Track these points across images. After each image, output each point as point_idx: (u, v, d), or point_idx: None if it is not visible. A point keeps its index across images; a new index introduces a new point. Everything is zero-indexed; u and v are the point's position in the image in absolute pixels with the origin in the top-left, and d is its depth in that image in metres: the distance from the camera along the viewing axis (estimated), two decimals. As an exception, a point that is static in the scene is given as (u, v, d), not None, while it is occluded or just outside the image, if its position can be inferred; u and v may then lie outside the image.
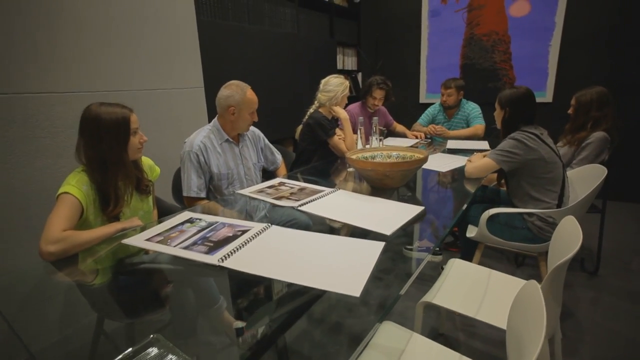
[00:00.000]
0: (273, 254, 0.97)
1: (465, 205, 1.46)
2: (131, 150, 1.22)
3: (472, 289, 1.31)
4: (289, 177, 1.85)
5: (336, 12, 3.94)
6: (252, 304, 0.87)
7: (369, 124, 2.73)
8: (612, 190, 2.21)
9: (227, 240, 1.04)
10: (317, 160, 2.28)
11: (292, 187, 1.60)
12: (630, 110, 3.11)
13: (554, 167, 1.58)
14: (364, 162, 1.51)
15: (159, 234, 1.11)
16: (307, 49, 3.40)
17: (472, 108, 2.94)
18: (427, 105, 4.08)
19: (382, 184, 1.56)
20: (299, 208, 1.32)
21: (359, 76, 4.55)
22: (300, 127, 2.39)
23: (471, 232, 1.76)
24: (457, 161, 2.00)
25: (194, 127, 1.78)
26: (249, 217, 1.36)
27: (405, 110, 4.28)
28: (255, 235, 1.07)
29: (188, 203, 1.63)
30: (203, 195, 1.63)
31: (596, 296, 1.95)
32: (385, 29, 4.20)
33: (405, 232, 1.14)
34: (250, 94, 1.66)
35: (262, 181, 1.82)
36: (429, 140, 2.82)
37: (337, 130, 2.30)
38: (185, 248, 1.01)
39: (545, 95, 3.46)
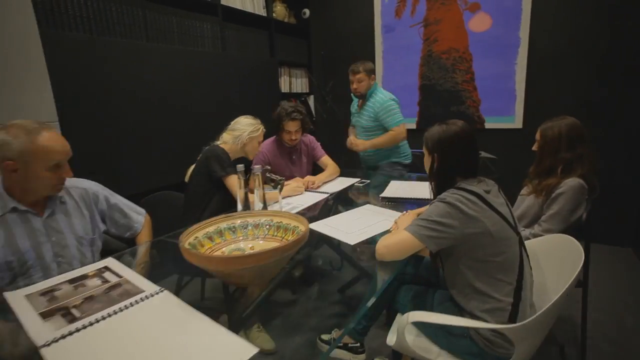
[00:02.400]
0: None
1: (372, 300, 0.94)
2: None
3: None
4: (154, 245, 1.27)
5: (281, 29, 3.48)
6: None
7: (286, 164, 2.21)
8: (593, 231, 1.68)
9: None
10: (215, 208, 1.71)
11: (103, 283, 1.03)
12: (610, 138, 2.65)
13: (507, 246, 1.05)
14: (196, 255, 0.94)
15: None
16: (237, 71, 2.89)
17: (381, 103, 2.36)
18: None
19: (240, 282, 1.00)
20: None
21: (311, 99, 4.06)
22: (192, 167, 1.83)
23: (392, 334, 1.20)
24: (381, 223, 1.45)
25: None
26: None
27: (361, 137, 3.78)
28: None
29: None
30: None
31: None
32: (337, 46, 3.75)
33: None
34: (45, 140, 1.11)
35: (101, 258, 1.25)
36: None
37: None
38: None
39: (514, 121, 3.00)
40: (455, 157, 1.13)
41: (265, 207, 1.34)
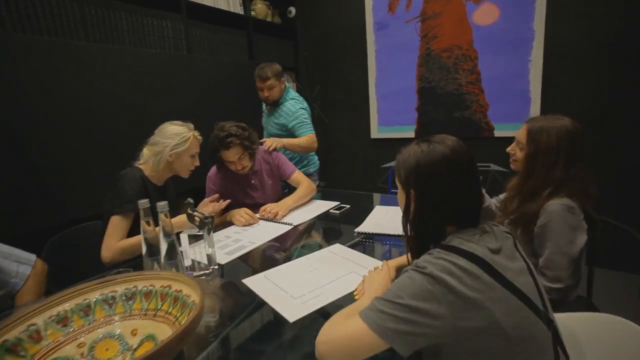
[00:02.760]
0: None
1: None
2: None
3: None
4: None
5: (262, 29, 3.11)
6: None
7: (244, 191, 1.77)
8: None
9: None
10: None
11: None
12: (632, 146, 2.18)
13: (531, 349, 0.63)
14: None
15: None
16: (206, 76, 2.53)
17: (292, 113, 2.14)
18: (381, 141, 3.21)
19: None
20: None
21: (299, 106, 3.67)
22: None
23: None
24: (345, 280, 1.03)
25: None
26: None
27: (353, 149, 3.38)
28: None
29: None
30: None
31: None
32: (325, 47, 3.37)
33: None
34: None
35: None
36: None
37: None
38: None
39: (529, 127, 2.55)
40: (443, 195, 0.71)
41: (175, 262, 0.94)
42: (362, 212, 1.61)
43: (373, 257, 1.15)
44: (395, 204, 1.67)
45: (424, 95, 2.92)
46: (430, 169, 0.71)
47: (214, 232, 1.51)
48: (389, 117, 3.11)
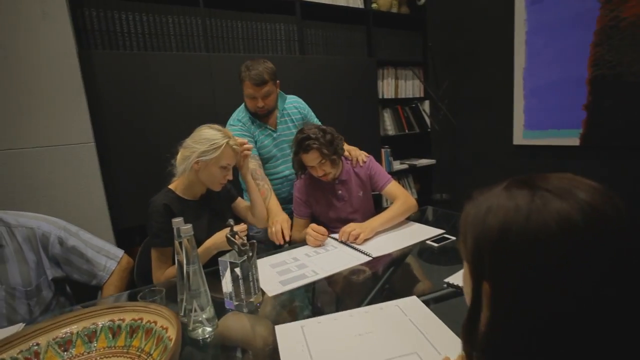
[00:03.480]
0: None
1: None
2: None
3: None
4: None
5: (385, 22, 2.85)
6: None
7: (328, 202, 1.56)
8: None
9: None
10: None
11: None
12: None
13: None
14: None
15: None
16: (320, 77, 2.45)
17: (298, 101, 1.74)
18: (527, 150, 2.45)
19: None
20: None
21: (425, 105, 3.24)
22: None
23: None
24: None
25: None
26: None
27: (488, 159, 2.74)
28: None
29: None
30: None
31: None
32: (458, 36, 2.82)
33: None
34: None
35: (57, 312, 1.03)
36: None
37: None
38: None
39: None
40: (556, 308, 0.34)
41: (197, 290, 0.82)
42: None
43: (453, 329, 0.77)
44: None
45: (600, 87, 2.09)
46: (532, 250, 0.35)
47: (288, 247, 1.39)
48: (541, 118, 2.37)
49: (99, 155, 1.75)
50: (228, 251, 0.98)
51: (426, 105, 3.23)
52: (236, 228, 0.95)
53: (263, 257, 1.29)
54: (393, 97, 3.04)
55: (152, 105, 1.90)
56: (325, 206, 1.57)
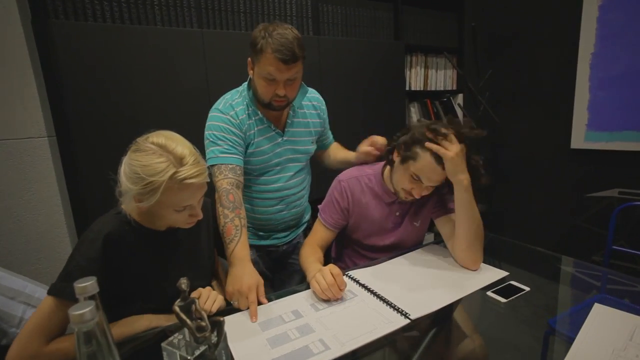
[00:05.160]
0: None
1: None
2: None
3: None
4: None
5: (416, 0, 2.41)
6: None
7: (382, 219, 1.14)
8: None
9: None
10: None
11: None
12: None
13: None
14: None
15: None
16: (336, 60, 2.04)
17: (317, 96, 1.25)
18: (590, 155, 1.98)
19: None
20: None
21: (458, 99, 2.79)
22: None
23: None
24: None
25: None
26: None
27: (539, 164, 2.28)
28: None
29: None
30: None
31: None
32: (504, 17, 2.36)
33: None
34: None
35: None
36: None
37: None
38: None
39: None
40: None
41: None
42: (550, 299, 0.78)
43: None
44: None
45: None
46: None
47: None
48: (610, 117, 1.91)
49: (61, 152, 1.40)
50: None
51: (459, 99, 2.78)
52: (194, 295, 0.57)
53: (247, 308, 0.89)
54: (422, 89, 2.60)
55: (130, 91, 1.53)
56: (369, 225, 1.16)
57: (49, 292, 0.71)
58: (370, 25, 2.27)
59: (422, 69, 2.59)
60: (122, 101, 1.51)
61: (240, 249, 0.94)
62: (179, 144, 0.75)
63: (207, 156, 1.04)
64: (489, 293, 0.90)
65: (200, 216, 0.81)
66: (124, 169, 0.74)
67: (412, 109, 2.63)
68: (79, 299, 0.48)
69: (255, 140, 1.11)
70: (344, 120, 2.02)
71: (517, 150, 2.38)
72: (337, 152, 1.37)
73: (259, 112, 1.11)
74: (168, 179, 0.71)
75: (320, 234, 1.16)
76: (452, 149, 0.93)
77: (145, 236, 0.82)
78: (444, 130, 0.95)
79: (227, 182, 1.00)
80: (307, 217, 1.39)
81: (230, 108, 1.08)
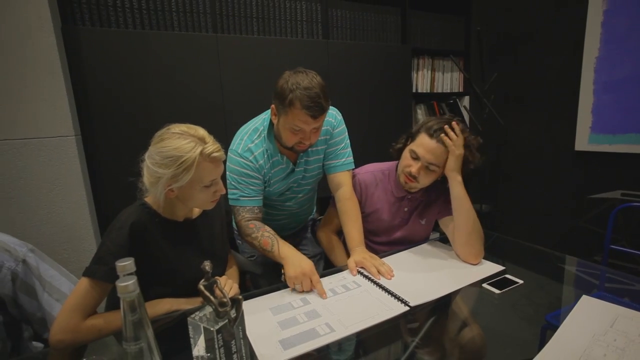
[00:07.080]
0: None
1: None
2: None
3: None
4: None
5: (424, 4, 2.46)
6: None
7: (390, 213, 1.23)
8: None
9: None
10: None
11: None
12: None
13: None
14: None
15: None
16: (345, 65, 2.11)
17: (333, 118, 1.22)
18: (593, 157, 2.02)
19: None
20: None
21: (464, 101, 2.83)
22: None
23: None
24: None
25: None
26: None
27: (543, 166, 2.32)
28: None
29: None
30: None
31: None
32: (509, 20, 2.40)
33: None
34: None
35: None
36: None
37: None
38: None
39: None
40: None
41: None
42: (546, 295, 0.83)
43: None
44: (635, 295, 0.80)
45: (702, 83, 1.64)
46: None
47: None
48: (614, 119, 1.94)
49: (86, 151, 1.50)
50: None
51: (465, 101, 2.82)
52: (218, 279, 0.64)
53: (260, 296, 0.97)
54: (428, 91, 2.66)
55: (150, 93, 1.62)
56: (378, 218, 1.25)
57: (84, 274, 0.80)
58: (378, 29, 2.34)
59: (429, 72, 2.65)
60: (141, 101, 1.61)
61: (283, 245, 1.05)
62: (197, 129, 0.86)
63: (228, 195, 1.11)
64: (485, 285, 0.96)
65: (224, 191, 0.91)
66: (152, 160, 0.83)
67: (419, 111, 2.68)
68: (119, 276, 0.56)
69: (272, 177, 1.17)
70: (352, 121, 2.09)
71: (521, 151, 2.42)
72: (344, 217, 1.19)
73: (278, 153, 1.14)
74: (199, 154, 0.82)
75: (336, 221, 1.26)
76: (460, 149, 1.09)
77: (166, 226, 0.90)
78: (461, 130, 1.10)
79: (246, 220, 1.11)
80: (312, 215, 1.47)
81: (249, 152, 1.11)
